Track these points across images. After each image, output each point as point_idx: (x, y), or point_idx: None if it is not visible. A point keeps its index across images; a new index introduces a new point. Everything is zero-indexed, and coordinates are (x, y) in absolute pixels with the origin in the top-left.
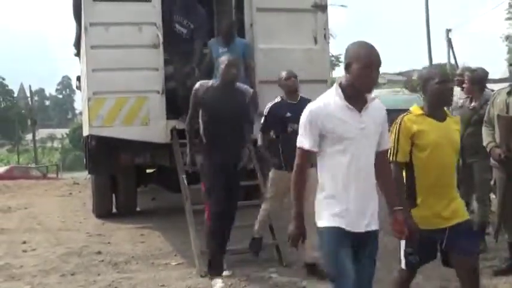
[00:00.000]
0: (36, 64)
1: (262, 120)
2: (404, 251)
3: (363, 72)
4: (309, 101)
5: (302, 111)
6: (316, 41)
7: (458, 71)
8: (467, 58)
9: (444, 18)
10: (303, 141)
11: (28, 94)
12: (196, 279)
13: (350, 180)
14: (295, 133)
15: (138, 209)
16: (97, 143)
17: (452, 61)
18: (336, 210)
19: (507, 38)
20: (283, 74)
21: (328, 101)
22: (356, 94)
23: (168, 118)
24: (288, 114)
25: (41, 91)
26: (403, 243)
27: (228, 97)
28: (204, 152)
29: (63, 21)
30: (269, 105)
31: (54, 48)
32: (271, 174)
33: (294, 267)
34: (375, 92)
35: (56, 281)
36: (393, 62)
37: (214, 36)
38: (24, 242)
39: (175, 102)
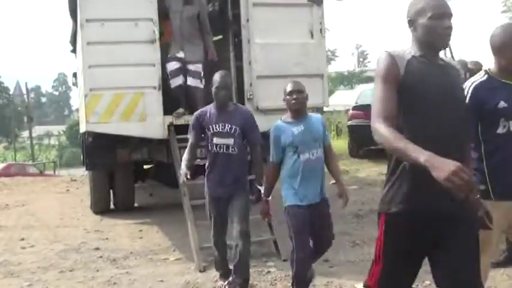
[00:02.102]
0: (32, 61)
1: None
2: None
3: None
4: None
5: None
6: (312, 36)
7: None
8: (464, 52)
9: None
10: None
11: (24, 91)
12: (194, 274)
13: None
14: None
15: (136, 204)
16: (94, 139)
17: (449, 55)
18: None
19: None
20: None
21: None
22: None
23: (165, 114)
24: (502, 104)
25: (37, 88)
26: None
27: (443, 74)
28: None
29: (60, 18)
30: (472, 82)
31: (50, 44)
32: None
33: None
34: (372, 86)
35: (54, 278)
36: None
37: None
38: (23, 239)
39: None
